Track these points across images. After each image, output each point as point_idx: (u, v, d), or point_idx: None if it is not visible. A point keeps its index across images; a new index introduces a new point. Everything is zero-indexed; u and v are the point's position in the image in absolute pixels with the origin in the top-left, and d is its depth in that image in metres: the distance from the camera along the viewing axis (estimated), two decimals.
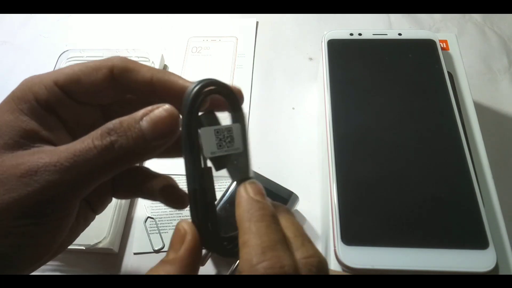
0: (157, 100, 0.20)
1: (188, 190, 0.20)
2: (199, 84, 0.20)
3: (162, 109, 0.20)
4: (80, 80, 0.21)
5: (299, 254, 0.18)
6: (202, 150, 0.20)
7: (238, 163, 0.20)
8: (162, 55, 0.44)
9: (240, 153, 0.20)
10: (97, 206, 0.26)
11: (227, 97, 0.21)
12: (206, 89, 0.20)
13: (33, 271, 0.22)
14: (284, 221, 0.19)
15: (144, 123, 0.19)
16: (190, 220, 0.20)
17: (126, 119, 0.19)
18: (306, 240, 0.19)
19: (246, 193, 0.19)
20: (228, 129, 0.20)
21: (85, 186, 0.19)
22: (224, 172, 0.21)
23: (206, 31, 0.48)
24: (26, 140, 0.20)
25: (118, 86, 0.22)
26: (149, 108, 0.20)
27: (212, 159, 0.20)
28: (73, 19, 0.50)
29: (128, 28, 0.49)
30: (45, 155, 0.19)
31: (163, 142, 0.20)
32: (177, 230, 0.20)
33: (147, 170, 0.26)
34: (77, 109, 0.22)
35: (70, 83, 0.21)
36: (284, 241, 0.18)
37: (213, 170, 0.21)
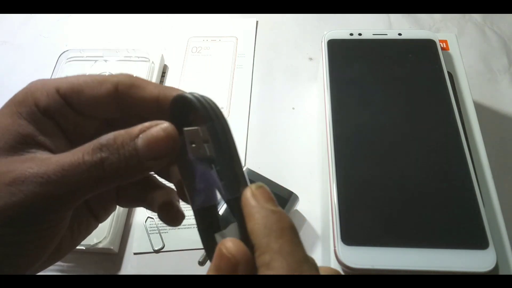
0: (163, 117, 0.20)
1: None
2: (174, 110, 0.19)
3: (159, 128, 0.19)
4: (83, 92, 0.21)
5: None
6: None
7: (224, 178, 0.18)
8: (162, 55, 0.44)
9: (221, 168, 0.18)
10: (101, 215, 0.25)
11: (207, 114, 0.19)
12: (181, 116, 0.19)
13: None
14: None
15: (140, 141, 0.18)
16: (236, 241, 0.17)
17: (121, 134, 0.19)
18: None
19: (257, 201, 0.17)
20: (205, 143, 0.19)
21: (72, 201, 0.19)
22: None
23: (206, 31, 0.48)
24: (21, 145, 0.19)
25: (123, 102, 0.21)
26: (147, 124, 0.19)
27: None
28: (73, 19, 0.50)
29: (128, 28, 0.49)
30: (34, 165, 0.18)
31: (158, 163, 0.19)
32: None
33: (154, 180, 0.26)
34: (78, 119, 0.22)
35: (72, 92, 0.21)
36: (307, 257, 0.16)
37: None
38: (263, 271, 0.16)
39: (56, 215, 0.19)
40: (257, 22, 0.48)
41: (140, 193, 0.25)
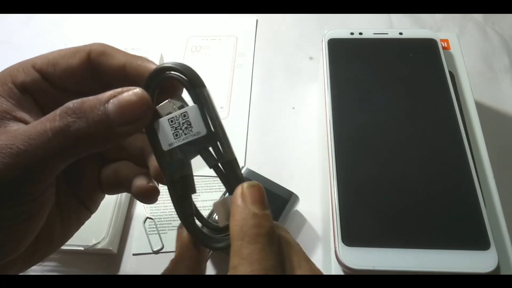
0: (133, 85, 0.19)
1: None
2: (148, 79, 0.19)
3: (132, 93, 0.18)
4: (58, 64, 0.21)
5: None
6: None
7: (211, 147, 0.19)
8: (162, 54, 0.44)
9: (205, 136, 0.18)
10: (90, 204, 0.25)
11: (183, 76, 0.20)
12: (155, 81, 0.19)
13: (19, 266, 0.21)
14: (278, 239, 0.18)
15: (110, 105, 0.18)
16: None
17: (89, 99, 0.18)
18: (303, 260, 0.18)
19: (242, 200, 0.17)
20: (182, 114, 0.19)
21: (44, 171, 0.18)
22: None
23: (206, 30, 0.47)
24: None
25: (95, 71, 0.21)
26: (118, 90, 0.18)
27: (175, 150, 0.19)
28: (72, 19, 0.50)
29: (127, 28, 0.49)
30: (4, 137, 0.18)
31: (130, 128, 0.18)
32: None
33: (129, 165, 0.25)
34: (55, 94, 0.22)
35: (48, 66, 0.21)
36: (277, 267, 0.16)
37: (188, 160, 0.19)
38: (230, 274, 0.16)
39: (31, 187, 0.18)
40: (257, 21, 0.48)
41: (120, 178, 0.25)
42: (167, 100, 0.20)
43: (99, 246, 0.32)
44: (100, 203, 0.26)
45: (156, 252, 0.33)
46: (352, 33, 0.34)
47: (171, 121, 0.19)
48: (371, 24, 0.47)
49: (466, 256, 0.24)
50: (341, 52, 0.33)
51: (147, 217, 0.35)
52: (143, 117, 0.19)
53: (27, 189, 0.18)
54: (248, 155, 0.38)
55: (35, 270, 0.32)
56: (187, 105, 0.19)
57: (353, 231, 0.25)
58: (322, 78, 0.32)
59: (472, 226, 0.25)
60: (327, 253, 0.28)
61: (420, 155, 0.27)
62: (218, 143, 0.19)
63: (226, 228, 0.18)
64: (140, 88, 0.19)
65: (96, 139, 0.18)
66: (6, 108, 0.20)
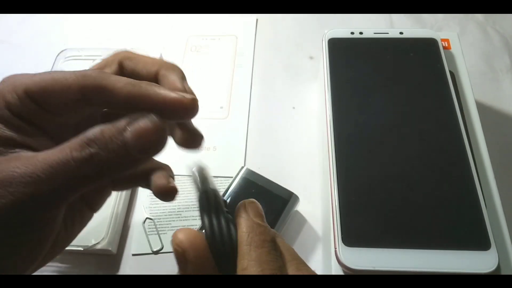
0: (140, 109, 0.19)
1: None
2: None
3: (148, 120, 0.18)
4: (50, 96, 0.20)
5: None
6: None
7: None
8: (161, 54, 0.44)
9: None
10: (96, 203, 0.25)
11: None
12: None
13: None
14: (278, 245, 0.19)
15: (128, 134, 0.18)
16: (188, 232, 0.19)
17: (108, 128, 0.18)
18: (301, 263, 0.19)
19: (246, 213, 0.19)
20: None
21: (63, 198, 0.19)
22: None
23: (205, 30, 0.47)
24: (2, 147, 0.19)
25: (92, 103, 0.20)
26: (134, 116, 0.18)
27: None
28: (71, 19, 0.50)
29: (126, 27, 0.49)
30: (21, 164, 0.18)
31: (148, 155, 0.19)
32: (174, 250, 0.18)
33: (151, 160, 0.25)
34: (53, 117, 0.21)
35: (40, 96, 0.20)
36: (284, 269, 0.18)
37: None
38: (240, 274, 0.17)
39: (48, 213, 0.19)
40: (257, 20, 0.48)
41: (137, 173, 0.25)
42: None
43: (98, 247, 0.32)
44: (105, 201, 0.26)
45: (156, 253, 0.33)
46: (352, 33, 0.34)
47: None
48: (371, 24, 0.47)
49: (466, 256, 0.24)
50: (341, 51, 0.33)
51: (147, 218, 0.34)
52: (160, 143, 0.19)
53: (44, 216, 0.19)
54: (248, 155, 0.38)
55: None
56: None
57: (353, 232, 0.25)
58: (322, 77, 0.32)
59: (472, 226, 0.24)
60: (327, 254, 0.27)
61: (421, 155, 0.27)
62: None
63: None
64: (154, 114, 0.19)
65: (117, 167, 0.18)
66: (9, 136, 0.19)
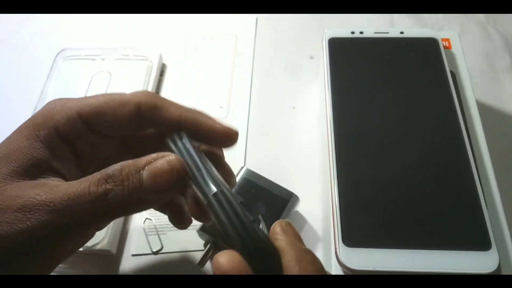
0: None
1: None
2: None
3: (164, 160, 0.19)
4: (105, 114, 0.21)
5: None
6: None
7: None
8: (161, 54, 0.44)
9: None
10: (104, 225, 0.25)
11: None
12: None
13: None
14: None
15: (145, 173, 0.18)
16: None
17: (127, 165, 0.19)
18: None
19: (288, 238, 0.18)
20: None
21: (77, 230, 0.19)
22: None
23: (205, 29, 0.47)
24: (35, 169, 0.19)
25: (146, 122, 0.21)
26: (154, 156, 0.19)
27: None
28: (70, 18, 0.50)
29: (126, 28, 0.49)
30: (43, 192, 0.18)
31: (163, 196, 0.19)
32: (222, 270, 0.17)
33: None
34: (96, 141, 0.22)
35: (94, 116, 0.21)
36: None
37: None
38: None
39: (61, 243, 0.19)
40: (256, 20, 0.48)
41: None
42: None
43: (98, 247, 0.31)
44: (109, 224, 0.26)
45: (155, 253, 0.33)
46: (352, 32, 0.34)
47: None
48: (372, 24, 0.47)
49: (467, 257, 0.23)
50: (341, 51, 0.33)
51: (146, 218, 0.34)
52: (174, 186, 0.19)
53: (57, 246, 0.19)
54: (248, 155, 0.38)
55: None
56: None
57: (354, 232, 0.25)
58: (323, 77, 0.32)
59: (473, 227, 0.24)
60: (327, 254, 0.27)
61: (421, 155, 0.27)
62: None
63: None
64: (174, 155, 0.19)
65: (131, 205, 0.19)
66: (43, 157, 0.20)
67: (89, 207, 0.18)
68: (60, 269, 0.32)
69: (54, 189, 0.18)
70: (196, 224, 0.33)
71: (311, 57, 0.45)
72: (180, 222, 0.25)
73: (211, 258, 0.31)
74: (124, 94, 0.21)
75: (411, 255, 0.24)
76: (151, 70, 0.42)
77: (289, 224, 0.19)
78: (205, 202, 0.19)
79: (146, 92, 0.22)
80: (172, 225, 0.34)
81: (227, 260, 0.16)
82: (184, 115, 0.21)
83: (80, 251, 0.31)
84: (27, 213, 0.18)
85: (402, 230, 0.25)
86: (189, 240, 0.32)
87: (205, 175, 0.19)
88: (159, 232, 0.34)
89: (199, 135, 0.21)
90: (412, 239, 0.24)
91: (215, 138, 0.21)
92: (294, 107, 0.41)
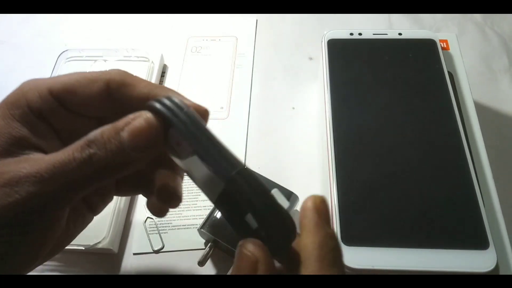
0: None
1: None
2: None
3: (142, 119, 0.19)
4: (75, 91, 0.21)
5: None
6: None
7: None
8: (162, 54, 0.44)
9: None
10: (98, 206, 0.25)
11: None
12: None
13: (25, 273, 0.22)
14: None
15: (125, 133, 0.19)
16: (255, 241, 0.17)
17: (107, 129, 0.19)
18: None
19: (319, 218, 0.17)
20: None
21: (66, 198, 0.19)
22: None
23: (206, 31, 0.47)
24: (15, 147, 0.20)
25: (114, 100, 0.22)
26: (131, 116, 0.19)
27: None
28: (72, 19, 0.50)
29: (127, 28, 0.49)
30: (28, 165, 0.18)
31: (145, 154, 0.19)
32: (245, 256, 0.17)
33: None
34: (71, 119, 0.22)
35: (65, 93, 0.21)
36: None
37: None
38: None
39: (52, 213, 0.19)
40: (257, 21, 0.48)
41: (140, 180, 0.25)
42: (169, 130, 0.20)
43: (99, 246, 0.32)
44: (107, 205, 0.26)
45: (157, 252, 0.33)
46: (351, 34, 0.34)
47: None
48: (370, 24, 0.47)
49: (465, 256, 0.24)
50: (340, 52, 0.33)
51: (148, 217, 0.35)
52: (154, 142, 0.19)
53: (48, 217, 0.19)
54: (248, 155, 0.38)
55: (36, 270, 0.32)
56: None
57: (353, 231, 0.25)
58: (322, 78, 0.32)
59: (471, 226, 0.25)
60: None
61: (419, 155, 0.28)
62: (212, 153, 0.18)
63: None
64: (150, 113, 0.19)
65: (116, 167, 0.19)
66: (23, 135, 0.20)
67: (75, 173, 0.18)
68: (63, 268, 0.33)
69: (38, 161, 0.19)
70: (197, 223, 0.34)
71: (311, 58, 0.45)
72: (169, 200, 0.24)
73: (211, 257, 0.31)
74: (95, 72, 0.22)
75: (410, 254, 0.24)
76: (153, 71, 0.42)
77: (323, 201, 0.18)
78: (220, 180, 0.18)
79: (117, 70, 0.22)
80: (173, 224, 0.34)
81: (259, 251, 0.16)
82: (153, 91, 0.21)
83: (82, 249, 0.31)
84: (14, 187, 0.18)
85: (400, 229, 0.25)
86: (190, 239, 0.33)
87: (223, 150, 0.19)
88: (160, 231, 0.34)
89: None
90: (411, 238, 0.24)
91: None
92: (293, 108, 0.41)
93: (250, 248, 0.16)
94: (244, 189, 0.17)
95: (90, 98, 0.21)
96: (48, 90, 0.21)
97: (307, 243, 0.17)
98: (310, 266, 0.16)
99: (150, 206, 0.25)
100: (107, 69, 0.22)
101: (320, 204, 0.17)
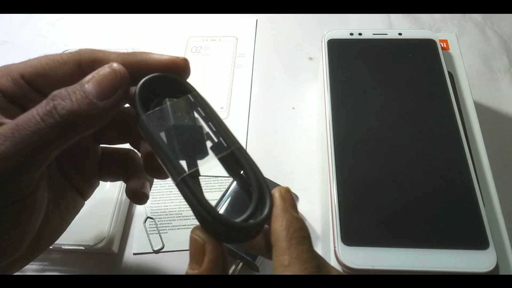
0: (135, 84, 0.20)
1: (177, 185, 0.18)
2: (140, 87, 0.19)
3: (106, 67, 0.19)
4: (47, 74, 0.21)
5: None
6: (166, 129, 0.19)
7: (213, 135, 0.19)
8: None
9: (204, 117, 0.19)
10: (85, 191, 0.25)
11: (172, 85, 0.20)
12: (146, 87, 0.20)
13: (21, 262, 0.21)
14: None
15: (89, 84, 0.18)
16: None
17: (72, 85, 0.19)
18: (327, 262, 0.19)
19: (284, 204, 0.18)
20: (176, 104, 0.19)
21: (37, 157, 0.18)
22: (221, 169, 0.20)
23: (206, 31, 0.47)
24: None
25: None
26: (97, 70, 0.19)
27: (177, 143, 0.19)
28: (72, 19, 0.50)
29: (127, 28, 0.49)
30: None
31: (110, 102, 0.19)
32: (193, 240, 0.18)
33: (134, 154, 0.26)
34: None
35: (37, 77, 0.21)
36: (322, 267, 0.18)
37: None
38: (280, 272, 0.17)
39: (25, 176, 0.18)
40: (257, 21, 0.48)
41: (123, 165, 0.25)
42: (182, 98, 0.20)
43: (99, 246, 0.32)
44: (94, 190, 0.26)
45: (157, 252, 0.33)
46: (351, 34, 0.34)
47: (174, 111, 0.19)
48: (370, 24, 0.47)
49: (465, 256, 0.24)
50: (340, 52, 0.33)
51: (148, 217, 0.35)
52: (120, 87, 0.19)
53: (18, 182, 0.18)
54: None
55: (36, 270, 0.32)
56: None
57: (353, 231, 0.25)
58: (322, 78, 0.32)
59: (471, 226, 0.25)
60: (326, 253, 0.28)
61: (419, 155, 0.27)
62: (219, 131, 0.19)
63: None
64: (116, 63, 0.19)
65: (82, 118, 0.18)
66: None
67: (41, 128, 0.18)
68: (62, 268, 0.33)
69: (3, 126, 0.18)
70: (197, 223, 0.34)
71: (311, 58, 0.45)
72: (156, 172, 0.24)
73: None
74: (65, 53, 0.21)
75: (410, 254, 0.24)
76: None
77: (288, 191, 0.19)
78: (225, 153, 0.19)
79: (86, 48, 0.22)
80: (173, 224, 0.34)
81: (201, 233, 0.18)
82: (126, 60, 0.21)
83: (82, 249, 0.32)
84: None
85: (400, 229, 0.25)
86: None
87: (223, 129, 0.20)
88: (160, 231, 0.34)
89: (149, 73, 0.20)
90: (411, 238, 0.24)
91: (165, 70, 0.21)
92: (293, 108, 0.41)
93: (198, 232, 0.18)
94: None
95: (61, 80, 0.21)
96: (20, 74, 0.20)
97: (276, 226, 0.18)
98: (279, 246, 0.17)
99: (128, 192, 0.25)
100: (77, 49, 0.22)
101: (285, 193, 0.19)
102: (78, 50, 0.21)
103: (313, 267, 0.17)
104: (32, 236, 0.21)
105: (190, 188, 0.18)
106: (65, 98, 0.18)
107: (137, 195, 0.25)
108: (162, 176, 0.23)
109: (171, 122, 0.19)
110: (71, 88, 0.18)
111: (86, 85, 0.18)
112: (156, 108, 0.19)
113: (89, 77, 0.19)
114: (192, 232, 0.18)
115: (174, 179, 0.18)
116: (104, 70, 0.19)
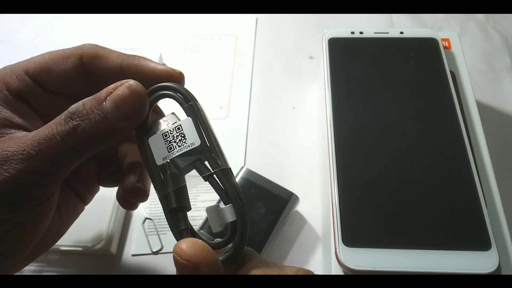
0: None
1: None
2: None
3: (124, 87, 0.19)
4: (50, 70, 0.21)
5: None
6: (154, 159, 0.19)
7: (205, 157, 0.19)
8: (161, 54, 0.44)
9: (199, 146, 0.19)
10: (85, 196, 0.26)
11: (176, 92, 0.20)
12: (149, 99, 0.20)
13: (20, 263, 0.22)
14: None
15: (108, 103, 0.19)
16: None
17: (88, 100, 0.19)
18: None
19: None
20: (177, 127, 0.19)
21: (54, 173, 0.19)
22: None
23: (205, 30, 0.47)
24: None
25: (89, 74, 0.22)
26: (112, 86, 0.19)
27: (169, 164, 0.20)
28: (71, 19, 0.50)
29: (126, 27, 0.49)
30: (13, 143, 0.19)
31: (131, 122, 0.19)
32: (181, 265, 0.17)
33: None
34: (49, 98, 0.22)
35: (40, 72, 0.21)
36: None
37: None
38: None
39: (43, 190, 0.19)
40: (256, 20, 0.48)
41: (118, 169, 0.25)
42: (161, 119, 0.21)
43: (98, 247, 0.31)
44: (94, 195, 0.27)
45: (155, 253, 0.33)
46: (352, 32, 0.34)
47: (165, 136, 0.19)
48: (372, 24, 0.47)
49: (467, 257, 0.23)
50: (341, 51, 0.33)
51: (146, 218, 0.34)
52: (140, 109, 0.19)
53: (39, 192, 0.19)
54: (248, 155, 0.38)
55: (35, 270, 0.32)
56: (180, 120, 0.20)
57: (354, 232, 0.25)
58: (323, 77, 0.32)
59: (473, 227, 0.24)
60: (327, 254, 0.27)
61: (421, 155, 0.27)
62: (212, 153, 0.19)
63: (220, 235, 0.19)
64: (133, 80, 0.19)
65: (101, 138, 0.19)
66: (6, 116, 0.20)
67: (61, 146, 0.18)
68: (61, 269, 0.32)
69: (22, 139, 0.19)
70: (196, 224, 0.34)
71: (311, 57, 0.45)
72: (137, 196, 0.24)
73: None
74: (68, 48, 0.22)
75: (411, 255, 0.24)
76: None
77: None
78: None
79: (89, 44, 0.22)
80: None
81: (190, 246, 0.17)
82: (125, 62, 0.21)
83: (80, 250, 0.31)
84: (3, 166, 0.18)
85: (402, 230, 0.25)
86: None
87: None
88: (159, 232, 0.34)
89: (143, 80, 0.21)
90: (412, 239, 0.24)
91: (161, 81, 0.21)
92: (294, 107, 0.41)
93: (186, 251, 0.17)
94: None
95: (65, 75, 0.21)
96: (24, 71, 0.21)
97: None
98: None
99: (123, 189, 0.24)
100: (80, 44, 0.22)
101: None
102: (81, 45, 0.22)
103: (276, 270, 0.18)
104: (39, 238, 0.21)
105: (169, 206, 0.19)
106: (84, 118, 0.18)
107: (133, 191, 0.24)
108: (114, 184, 0.25)
109: (166, 151, 0.20)
110: (89, 105, 0.19)
111: (104, 104, 0.19)
112: (158, 132, 0.20)
113: (104, 92, 0.19)
114: (178, 252, 0.18)
115: (157, 194, 0.20)
116: (123, 90, 0.19)
